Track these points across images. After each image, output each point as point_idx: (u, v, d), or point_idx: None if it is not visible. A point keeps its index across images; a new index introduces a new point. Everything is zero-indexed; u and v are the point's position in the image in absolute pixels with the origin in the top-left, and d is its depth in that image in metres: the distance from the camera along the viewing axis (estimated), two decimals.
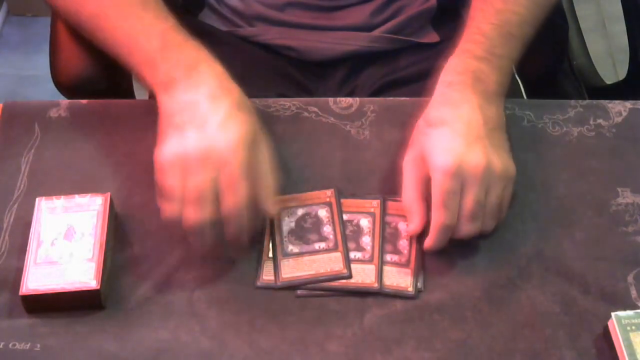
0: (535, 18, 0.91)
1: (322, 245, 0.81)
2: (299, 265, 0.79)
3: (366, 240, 0.81)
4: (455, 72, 0.84)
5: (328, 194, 0.84)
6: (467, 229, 0.79)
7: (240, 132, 0.76)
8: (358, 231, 0.82)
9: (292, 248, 0.80)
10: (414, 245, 0.81)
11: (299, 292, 0.78)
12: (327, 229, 0.82)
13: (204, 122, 0.76)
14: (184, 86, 0.79)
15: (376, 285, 0.78)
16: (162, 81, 0.80)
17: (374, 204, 0.83)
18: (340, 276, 0.79)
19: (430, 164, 0.78)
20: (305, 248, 0.81)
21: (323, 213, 0.83)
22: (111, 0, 0.86)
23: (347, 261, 0.79)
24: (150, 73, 0.82)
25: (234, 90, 0.80)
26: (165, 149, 0.77)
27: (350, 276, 0.79)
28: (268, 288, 0.78)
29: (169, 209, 0.76)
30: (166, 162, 0.76)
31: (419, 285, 0.79)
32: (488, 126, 0.80)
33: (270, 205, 0.78)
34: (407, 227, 0.81)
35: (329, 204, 0.83)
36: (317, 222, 0.82)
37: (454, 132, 0.79)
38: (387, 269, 0.79)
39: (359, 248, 0.81)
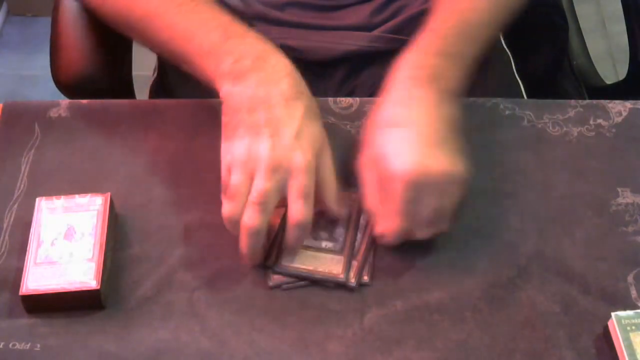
0: (497, 21, 0.91)
1: (329, 245, 0.81)
2: (300, 258, 0.79)
3: (339, 231, 0.81)
4: (411, 67, 0.83)
5: (353, 196, 0.83)
6: (423, 234, 0.79)
7: (312, 143, 0.77)
8: (334, 221, 0.82)
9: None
10: (350, 235, 0.81)
11: (271, 280, 0.79)
12: (339, 231, 0.82)
13: (278, 129, 0.76)
14: (256, 80, 0.79)
15: (342, 276, 0.78)
16: (229, 72, 0.80)
17: (353, 197, 0.83)
18: (336, 280, 0.78)
19: (388, 169, 0.77)
20: (313, 243, 0.81)
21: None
22: (162, 0, 0.87)
23: (348, 266, 0.79)
24: (213, 64, 0.81)
25: (304, 91, 0.80)
26: (237, 147, 0.76)
27: (346, 282, 0.78)
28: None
29: (229, 208, 0.76)
30: (237, 161, 0.76)
31: (366, 278, 0.79)
32: (443, 128, 0.79)
33: (338, 207, 0.80)
34: (376, 228, 0.80)
35: (351, 206, 0.83)
36: (333, 222, 0.82)
37: (410, 135, 0.77)
38: (322, 255, 0.80)
39: (332, 238, 0.81)
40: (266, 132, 0.76)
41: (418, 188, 0.76)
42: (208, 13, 0.85)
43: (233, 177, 0.76)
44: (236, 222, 0.76)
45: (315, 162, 0.77)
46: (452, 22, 0.87)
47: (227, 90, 0.80)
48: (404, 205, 0.76)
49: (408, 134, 0.78)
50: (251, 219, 0.75)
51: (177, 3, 0.86)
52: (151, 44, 0.90)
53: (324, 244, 0.81)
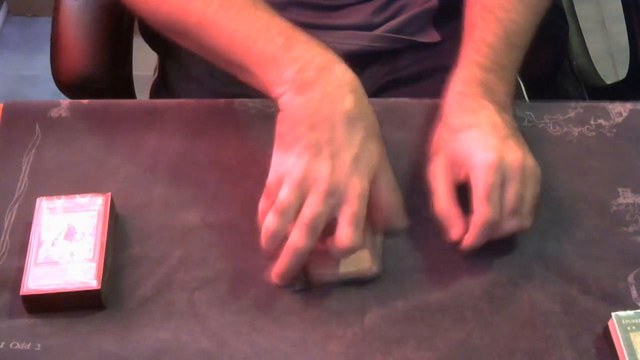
0: (532, 26, 0.91)
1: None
2: (327, 264, 0.79)
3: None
4: (464, 83, 0.84)
5: None
6: (509, 224, 0.79)
7: (370, 168, 0.77)
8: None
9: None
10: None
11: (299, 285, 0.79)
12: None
13: (339, 151, 0.75)
14: (321, 93, 0.77)
15: (374, 269, 0.79)
16: (292, 80, 0.77)
17: None
18: (371, 274, 0.79)
19: (470, 162, 0.78)
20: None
21: None
22: (219, 5, 0.83)
23: (373, 257, 0.79)
24: (275, 72, 0.78)
25: (367, 110, 0.79)
26: (294, 163, 0.75)
27: (378, 272, 0.79)
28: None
29: (275, 222, 0.75)
30: (293, 177, 0.75)
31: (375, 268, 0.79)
32: (510, 128, 0.82)
33: (403, 223, 0.81)
34: (451, 233, 0.80)
35: None
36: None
37: (485, 132, 0.80)
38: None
39: None
40: (326, 154, 0.75)
41: (499, 172, 0.77)
42: (269, 19, 0.82)
43: (285, 191, 0.75)
44: (277, 237, 0.75)
45: (370, 186, 0.76)
46: (497, 31, 0.87)
47: (288, 100, 0.78)
48: (489, 189, 0.77)
49: (482, 132, 0.80)
50: (300, 239, 0.74)
51: (236, 9, 0.83)
52: (207, 50, 0.86)
53: None
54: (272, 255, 0.77)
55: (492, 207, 0.77)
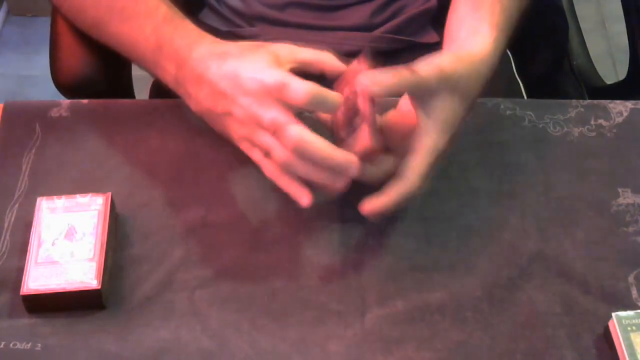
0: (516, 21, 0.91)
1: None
2: None
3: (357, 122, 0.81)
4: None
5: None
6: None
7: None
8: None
9: None
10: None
11: None
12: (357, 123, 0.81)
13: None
14: (193, 84, 0.82)
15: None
16: (174, 81, 0.85)
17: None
18: None
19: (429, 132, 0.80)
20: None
21: None
22: (108, 2, 0.89)
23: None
24: (160, 72, 0.86)
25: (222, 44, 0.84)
26: (232, 115, 0.80)
27: None
28: None
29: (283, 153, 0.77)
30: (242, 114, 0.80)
31: None
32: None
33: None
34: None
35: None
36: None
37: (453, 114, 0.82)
38: None
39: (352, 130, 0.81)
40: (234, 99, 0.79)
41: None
42: (143, 16, 0.87)
43: (262, 114, 0.77)
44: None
45: None
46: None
47: (188, 93, 0.84)
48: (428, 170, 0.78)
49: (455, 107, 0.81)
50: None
51: (119, 8, 0.88)
52: (110, 48, 0.92)
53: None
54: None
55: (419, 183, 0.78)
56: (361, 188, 0.79)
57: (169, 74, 0.85)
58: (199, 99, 0.82)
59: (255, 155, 0.80)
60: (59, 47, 1.03)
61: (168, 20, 0.86)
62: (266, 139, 0.77)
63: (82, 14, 0.92)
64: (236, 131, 0.80)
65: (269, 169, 0.78)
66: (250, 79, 0.77)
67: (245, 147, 0.81)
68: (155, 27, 0.85)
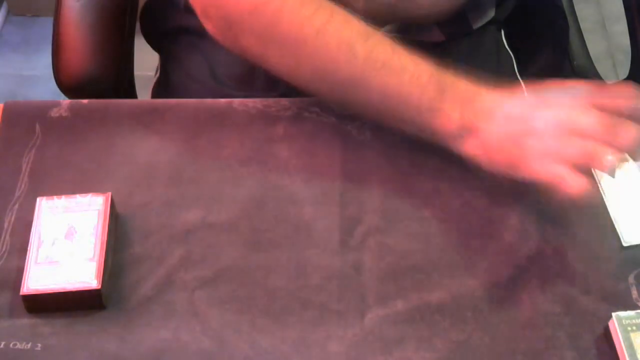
0: None
1: None
2: None
3: None
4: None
5: None
6: None
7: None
8: None
9: None
10: None
11: None
12: None
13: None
14: (486, 125, 0.81)
15: None
16: (459, 127, 0.82)
17: None
18: None
19: None
20: None
21: None
22: (365, 61, 0.83)
23: None
24: (438, 122, 0.82)
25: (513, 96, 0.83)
26: (539, 143, 0.79)
27: None
28: None
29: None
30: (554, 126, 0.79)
31: None
32: None
33: None
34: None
35: None
36: None
37: None
38: None
39: None
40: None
41: None
42: (414, 66, 0.83)
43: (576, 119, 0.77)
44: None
45: None
46: None
47: (475, 134, 0.81)
48: None
49: None
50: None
51: (381, 62, 0.83)
52: (356, 104, 0.87)
53: None
54: None
55: None
56: (361, 189, 0.79)
57: (451, 118, 0.81)
58: (490, 130, 0.80)
59: (560, 171, 0.77)
60: (61, 47, 1.03)
61: (440, 67, 0.83)
62: (585, 145, 0.76)
63: (331, 72, 0.85)
64: (538, 149, 0.78)
65: (578, 183, 0.76)
66: (555, 97, 0.79)
67: (545, 166, 0.78)
68: (432, 75, 0.82)
